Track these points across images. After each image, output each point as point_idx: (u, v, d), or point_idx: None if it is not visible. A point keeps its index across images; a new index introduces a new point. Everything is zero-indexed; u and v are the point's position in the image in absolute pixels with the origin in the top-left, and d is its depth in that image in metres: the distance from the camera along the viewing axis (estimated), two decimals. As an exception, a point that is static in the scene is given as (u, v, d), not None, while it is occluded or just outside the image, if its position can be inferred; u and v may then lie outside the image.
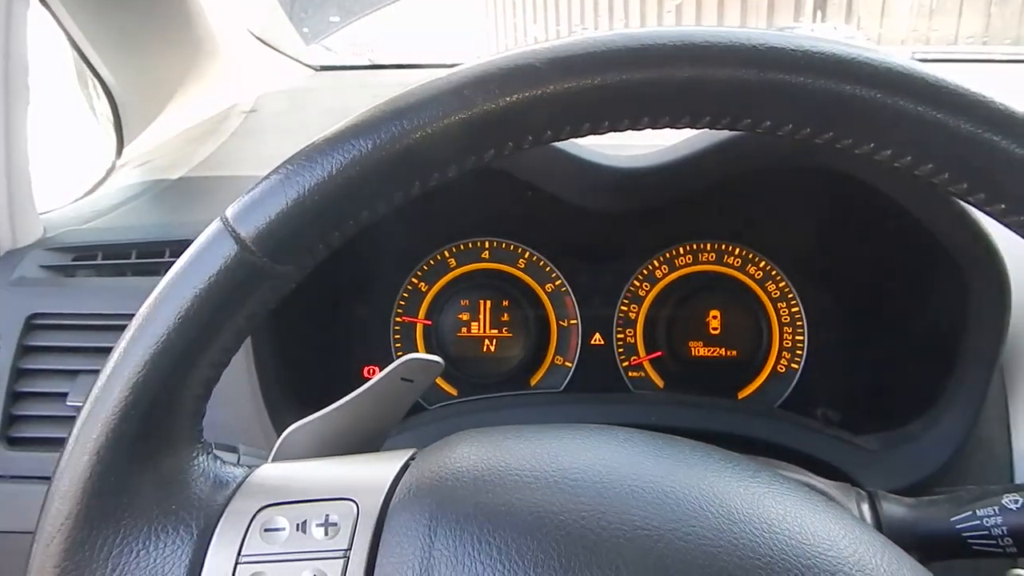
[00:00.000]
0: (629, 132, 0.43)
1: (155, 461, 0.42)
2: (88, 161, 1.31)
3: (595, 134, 0.42)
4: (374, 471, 0.44)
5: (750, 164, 0.83)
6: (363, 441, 0.53)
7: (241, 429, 0.81)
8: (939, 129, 0.38)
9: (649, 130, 0.42)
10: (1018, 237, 0.41)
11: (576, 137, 0.42)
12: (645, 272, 1.00)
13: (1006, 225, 0.41)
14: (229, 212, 0.41)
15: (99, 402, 0.41)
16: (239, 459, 0.60)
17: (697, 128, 0.42)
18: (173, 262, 0.42)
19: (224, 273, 0.41)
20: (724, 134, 0.79)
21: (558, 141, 0.43)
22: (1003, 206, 0.40)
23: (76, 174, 1.29)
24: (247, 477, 0.45)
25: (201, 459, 0.44)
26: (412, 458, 0.45)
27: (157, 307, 0.41)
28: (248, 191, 0.42)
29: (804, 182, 0.88)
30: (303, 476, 0.45)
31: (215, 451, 0.47)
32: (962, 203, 0.74)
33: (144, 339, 0.41)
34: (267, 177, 0.41)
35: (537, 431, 0.45)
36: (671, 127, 0.42)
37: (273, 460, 0.51)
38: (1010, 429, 0.79)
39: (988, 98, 0.38)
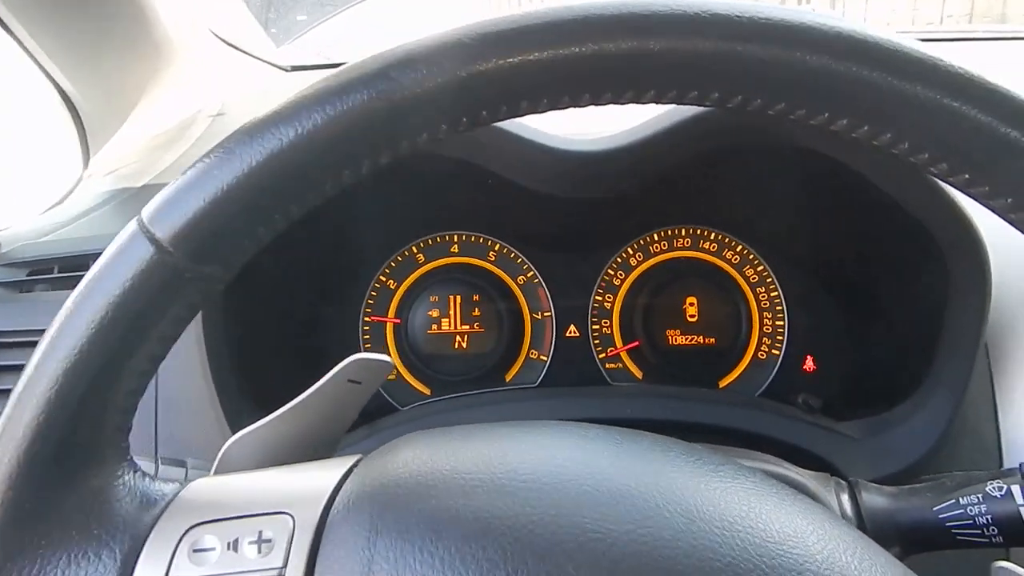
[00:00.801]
0: (596, 116, 0.41)
1: (75, 482, 0.40)
2: (59, 173, 1.29)
3: (534, 112, 0.40)
4: (313, 481, 0.42)
5: (719, 144, 0.81)
6: (312, 448, 0.51)
7: (199, 441, 0.78)
8: (896, 96, 0.36)
9: (598, 107, 0.40)
10: (999, 217, 0.39)
11: (515, 116, 0.40)
12: (619, 260, 0.99)
13: (971, 196, 0.38)
14: (144, 212, 0.39)
15: (10, 423, 0.38)
16: (187, 473, 0.58)
17: (643, 103, 0.40)
18: None
19: (140, 277, 0.38)
20: (687, 112, 0.77)
21: (496, 122, 0.41)
22: (967, 176, 0.37)
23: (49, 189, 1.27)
24: (177, 494, 0.42)
25: (127, 477, 0.42)
26: (356, 465, 0.43)
27: (69, 319, 0.39)
28: (164, 188, 0.39)
29: (779, 163, 0.86)
30: (237, 490, 0.43)
31: (162, 464, 0.44)
32: (941, 185, 0.72)
33: (56, 353, 0.38)
34: (184, 173, 0.39)
35: (486, 431, 0.43)
36: (615, 103, 0.40)
37: (215, 473, 0.48)
38: (997, 412, 0.77)
39: (945, 62, 0.36)
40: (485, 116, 0.40)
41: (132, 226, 0.39)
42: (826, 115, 0.38)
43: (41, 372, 0.38)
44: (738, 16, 0.37)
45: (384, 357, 0.51)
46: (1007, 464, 0.76)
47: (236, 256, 0.40)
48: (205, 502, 0.41)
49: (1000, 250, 0.74)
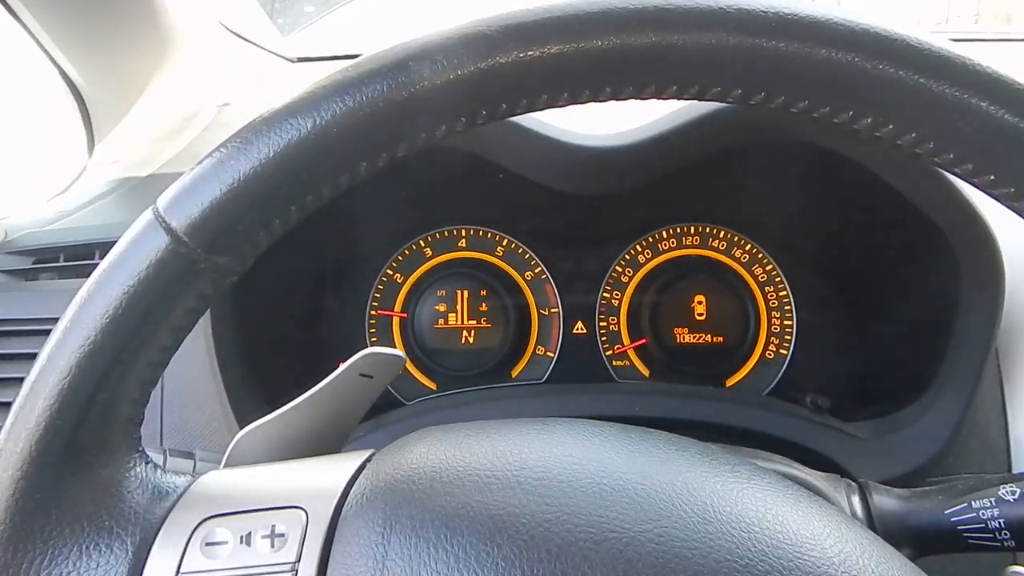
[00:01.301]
0: (607, 112, 0.40)
1: (87, 473, 0.39)
2: (64, 162, 1.28)
3: (553, 107, 0.40)
4: (326, 476, 0.41)
5: (731, 141, 0.80)
6: (322, 442, 0.50)
7: (205, 433, 0.78)
8: (923, 95, 0.36)
9: (617, 102, 0.40)
10: (1014, 216, 0.38)
11: (533, 110, 0.40)
12: (627, 257, 0.98)
13: (994, 197, 0.38)
14: (160, 202, 0.39)
15: (22, 412, 0.38)
16: (195, 466, 0.57)
17: (663, 98, 0.39)
18: None
19: (155, 267, 0.38)
20: (701, 110, 0.76)
21: (514, 116, 0.40)
22: (991, 177, 0.37)
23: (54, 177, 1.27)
24: (189, 486, 0.42)
25: (139, 469, 0.41)
26: (369, 460, 0.43)
27: (83, 307, 0.38)
28: (180, 178, 0.39)
29: (791, 161, 0.85)
30: (250, 483, 0.42)
31: (170, 456, 0.44)
32: (954, 182, 0.71)
33: (69, 343, 0.38)
34: (200, 162, 0.38)
35: (500, 427, 0.43)
36: (635, 98, 0.39)
37: (225, 466, 0.48)
38: (1007, 415, 0.77)
39: (974, 62, 0.36)
40: (504, 110, 0.39)
41: (148, 215, 0.39)
42: (850, 113, 0.37)
43: (54, 361, 0.38)
44: (763, 11, 0.36)
45: (397, 351, 0.51)
46: (1016, 466, 0.75)
47: (250, 248, 0.40)
48: (217, 495, 0.41)
49: (1013, 251, 0.73)
